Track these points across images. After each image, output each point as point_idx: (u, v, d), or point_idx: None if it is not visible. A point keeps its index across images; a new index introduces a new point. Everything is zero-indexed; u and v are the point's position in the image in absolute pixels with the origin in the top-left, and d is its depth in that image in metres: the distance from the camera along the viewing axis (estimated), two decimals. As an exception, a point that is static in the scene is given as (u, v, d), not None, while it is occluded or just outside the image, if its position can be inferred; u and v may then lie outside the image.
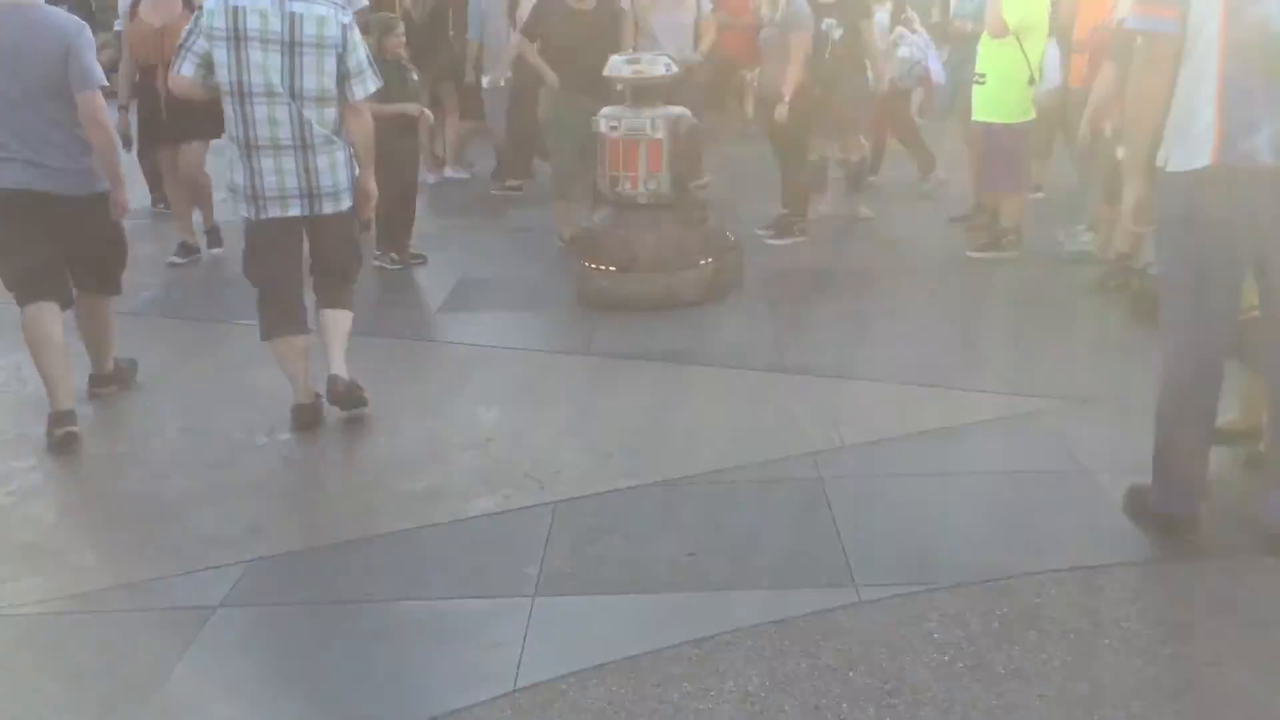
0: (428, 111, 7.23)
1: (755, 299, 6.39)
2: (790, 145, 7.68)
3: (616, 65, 6.61)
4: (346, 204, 4.68)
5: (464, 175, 10.16)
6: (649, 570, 3.42)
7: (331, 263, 4.80)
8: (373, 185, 4.78)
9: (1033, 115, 7.17)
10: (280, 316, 4.63)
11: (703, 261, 6.36)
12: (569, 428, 4.56)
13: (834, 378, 5.02)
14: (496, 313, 6.36)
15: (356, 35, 4.61)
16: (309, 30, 4.44)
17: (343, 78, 4.53)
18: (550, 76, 7.46)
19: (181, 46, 4.48)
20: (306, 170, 4.49)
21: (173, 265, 7.39)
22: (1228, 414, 3.84)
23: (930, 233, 7.95)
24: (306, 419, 4.64)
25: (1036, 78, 6.89)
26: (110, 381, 5.10)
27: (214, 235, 7.71)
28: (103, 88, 4.62)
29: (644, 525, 3.72)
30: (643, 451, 4.29)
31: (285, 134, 4.44)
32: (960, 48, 7.74)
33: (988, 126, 7.13)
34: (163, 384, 5.29)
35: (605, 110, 6.54)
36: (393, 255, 7.31)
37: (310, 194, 4.54)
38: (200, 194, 7.64)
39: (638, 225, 6.41)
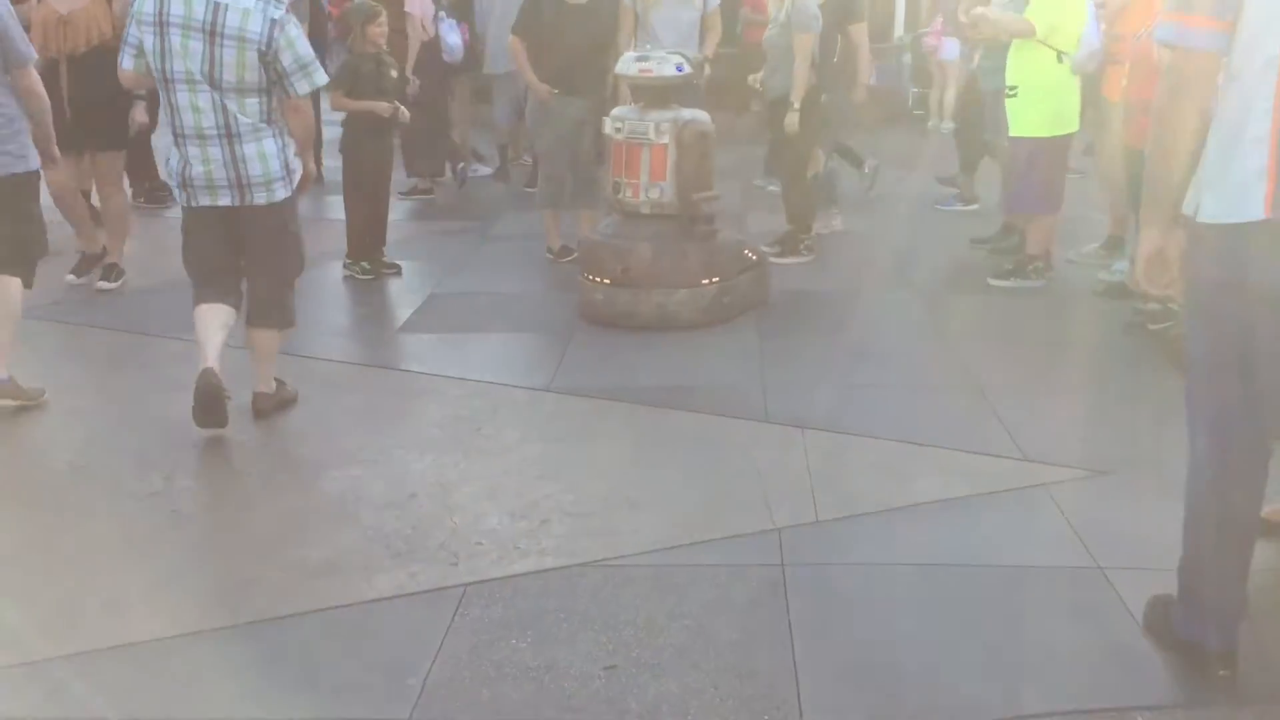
0: (403, 110, 6.65)
1: (752, 327, 5.78)
2: (795, 156, 7.05)
3: (626, 63, 6.08)
4: (280, 194, 4.42)
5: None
6: (553, 687, 2.81)
7: (264, 261, 4.52)
8: (313, 166, 4.60)
9: (1075, 128, 6.51)
10: (209, 287, 4.48)
11: (705, 281, 5.77)
12: (507, 484, 3.96)
13: (821, 431, 4.39)
14: (462, 335, 5.78)
15: (292, 32, 4.29)
16: (232, 21, 4.23)
17: (280, 74, 4.29)
18: (534, 83, 6.86)
19: (124, 38, 4.42)
20: (234, 160, 4.31)
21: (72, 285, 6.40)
22: (1272, 502, 3.20)
23: (950, 255, 7.31)
24: (202, 385, 4.26)
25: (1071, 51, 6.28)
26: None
27: (111, 270, 6.41)
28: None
29: (563, 621, 3.11)
30: (584, 519, 3.69)
31: (209, 122, 4.29)
32: (993, 53, 7.05)
33: (1020, 142, 6.46)
34: (68, 403, 4.74)
35: (616, 111, 6.03)
36: (363, 265, 6.75)
37: (239, 184, 4.35)
38: (112, 219, 6.48)
39: (634, 236, 5.85)
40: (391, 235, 7.14)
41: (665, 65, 5.92)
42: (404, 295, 6.48)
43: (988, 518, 3.72)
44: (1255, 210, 2.56)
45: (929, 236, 7.84)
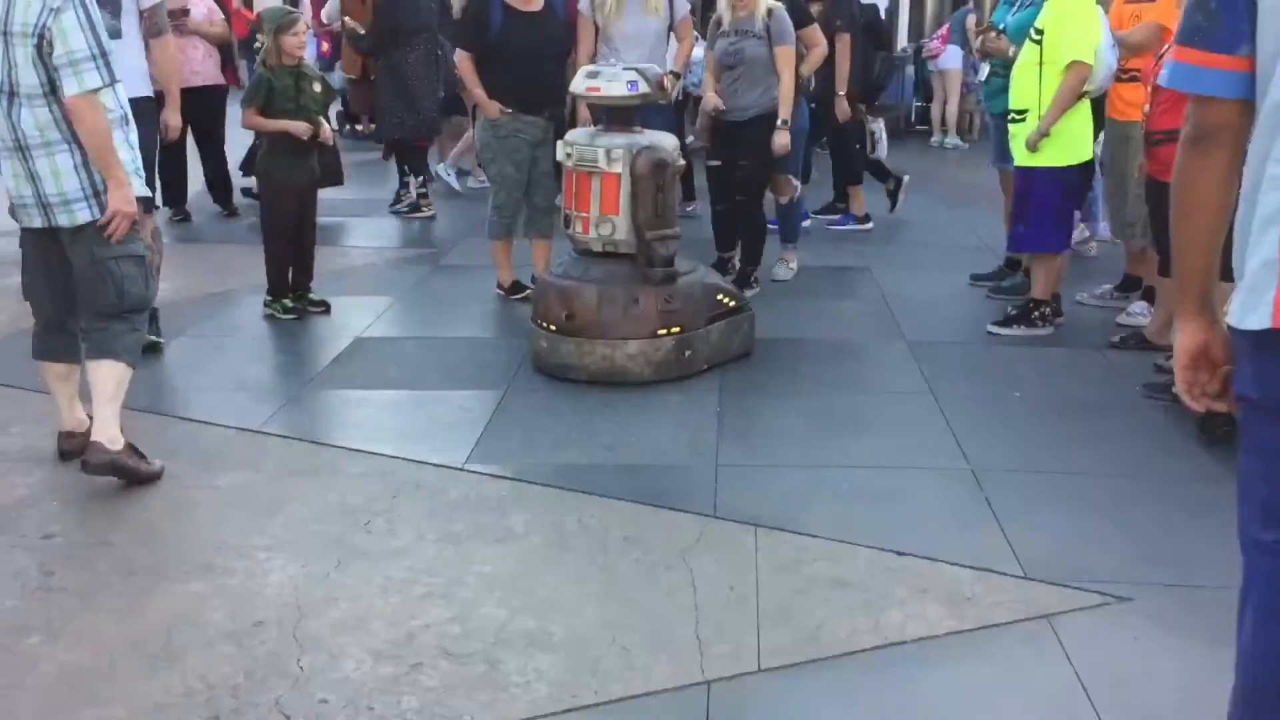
0: (327, 129, 5.91)
1: (714, 387, 5.02)
2: (756, 185, 6.32)
3: (577, 80, 5.38)
4: (84, 216, 3.89)
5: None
6: None
7: (83, 290, 3.97)
8: (121, 198, 3.86)
9: (1088, 156, 5.75)
10: (41, 338, 4.16)
11: (661, 332, 5.03)
12: (382, 607, 3.19)
13: (779, 532, 3.61)
14: (380, 391, 5.02)
15: (67, 21, 3.70)
16: (18, 17, 3.73)
17: (52, 71, 3.75)
18: (483, 100, 6.11)
19: None
20: (31, 176, 3.87)
21: None
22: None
23: (945, 296, 6.55)
24: (68, 448, 4.10)
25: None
26: None
27: None
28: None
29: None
30: (465, 664, 2.91)
31: (6, 134, 3.86)
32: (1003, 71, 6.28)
33: (1026, 172, 5.69)
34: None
35: (569, 134, 5.31)
36: (284, 303, 6.00)
37: (41, 203, 3.90)
38: None
39: (583, 277, 5.12)
40: (330, 262, 6.41)
41: (615, 83, 5.17)
42: (326, 340, 5.73)
43: (970, 671, 2.93)
44: (1262, 317, 1.83)
45: (926, 271, 7.08)
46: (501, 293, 6.47)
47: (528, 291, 6.40)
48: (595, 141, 5.14)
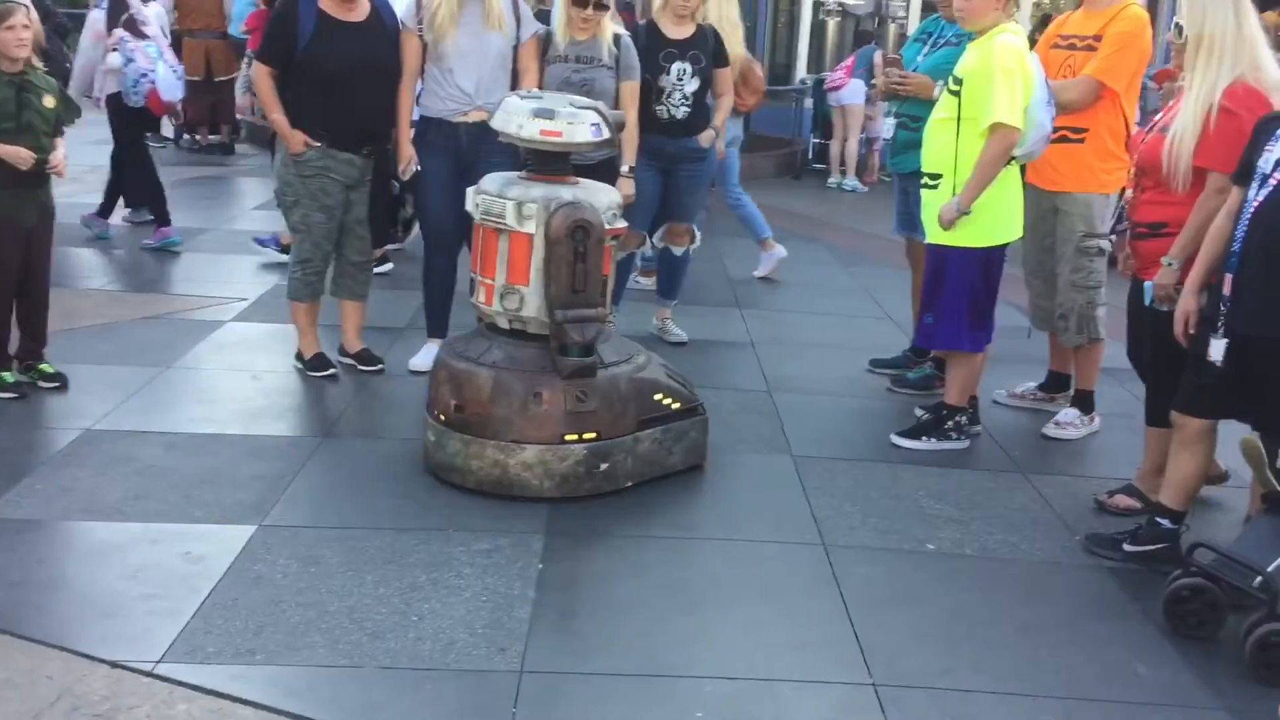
0: (58, 156, 4.59)
1: (533, 519, 3.84)
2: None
3: (512, 116, 4.08)
4: None
5: None
6: None
7: None
8: None
9: (1018, 234, 4.71)
10: None
11: (569, 437, 3.94)
12: None
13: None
14: (78, 522, 3.71)
15: None
16: None
17: None
18: (284, 129, 4.87)
19: None
20: None
21: None
22: None
23: (840, 386, 5.47)
24: None
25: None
26: None
27: None
28: None
29: None
30: None
31: None
32: (914, 121, 5.18)
33: (941, 252, 4.63)
34: None
35: (485, 179, 4.19)
36: (3, 376, 4.65)
37: None
38: None
39: (478, 359, 4.07)
40: (91, 314, 5.08)
41: (579, 125, 4.01)
42: (47, 430, 4.40)
43: None
44: None
45: (819, 350, 5.99)
46: (300, 366, 5.20)
47: (332, 370, 5.15)
48: (506, 191, 4.00)
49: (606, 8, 5.16)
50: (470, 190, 4.21)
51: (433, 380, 4.17)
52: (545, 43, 5.14)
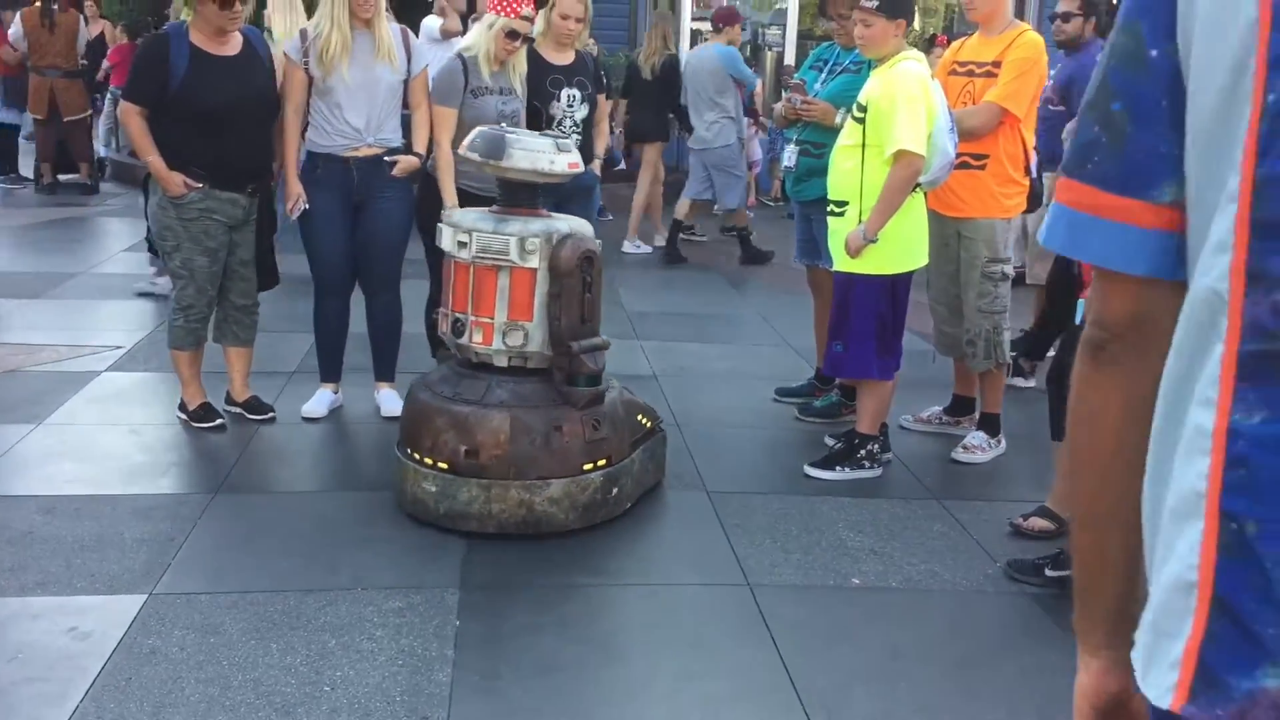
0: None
1: (447, 570, 3.65)
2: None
3: (533, 154, 3.96)
4: None
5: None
6: None
7: None
8: None
9: (924, 261, 4.71)
10: None
11: (586, 467, 3.96)
12: None
13: None
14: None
15: None
16: None
17: None
18: (160, 170, 4.62)
19: None
20: None
21: None
22: None
23: (748, 417, 5.39)
24: None
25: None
26: None
27: None
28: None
29: None
30: None
31: None
32: (817, 149, 5.13)
33: (848, 280, 4.60)
34: None
35: (455, 217, 4.12)
36: None
37: None
38: None
39: (486, 400, 3.97)
40: None
41: (556, 157, 4.00)
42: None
43: None
44: (1162, 687, 1.05)
45: (724, 382, 5.92)
46: (184, 417, 4.91)
47: (219, 420, 4.89)
48: (503, 228, 3.93)
49: (532, 40, 5.07)
50: (444, 228, 4.06)
51: (422, 429, 3.96)
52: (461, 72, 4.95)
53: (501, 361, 4.01)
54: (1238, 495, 1.01)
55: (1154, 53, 1.11)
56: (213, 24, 4.58)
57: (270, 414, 5.01)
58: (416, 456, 3.98)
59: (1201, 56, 1.05)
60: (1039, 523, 4.18)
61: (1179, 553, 1.06)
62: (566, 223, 4.10)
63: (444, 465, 3.92)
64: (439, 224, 4.18)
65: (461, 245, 3.98)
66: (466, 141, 4.16)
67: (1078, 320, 3.89)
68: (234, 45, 4.68)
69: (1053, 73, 5.70)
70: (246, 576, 3.59)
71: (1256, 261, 0.99)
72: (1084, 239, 1.17)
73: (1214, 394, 1.03)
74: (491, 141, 4.02)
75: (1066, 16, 5.86)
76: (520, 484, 3.86)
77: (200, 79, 4.58)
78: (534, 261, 3.92)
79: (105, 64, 13.05)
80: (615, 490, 4.05)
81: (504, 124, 4.47)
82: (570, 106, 5.38)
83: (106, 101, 13.10)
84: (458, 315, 4.03)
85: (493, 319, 3.96)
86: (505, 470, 3.86)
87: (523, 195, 4.09)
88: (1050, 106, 5.73)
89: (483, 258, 3.95)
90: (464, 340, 4.03)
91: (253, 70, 4.73)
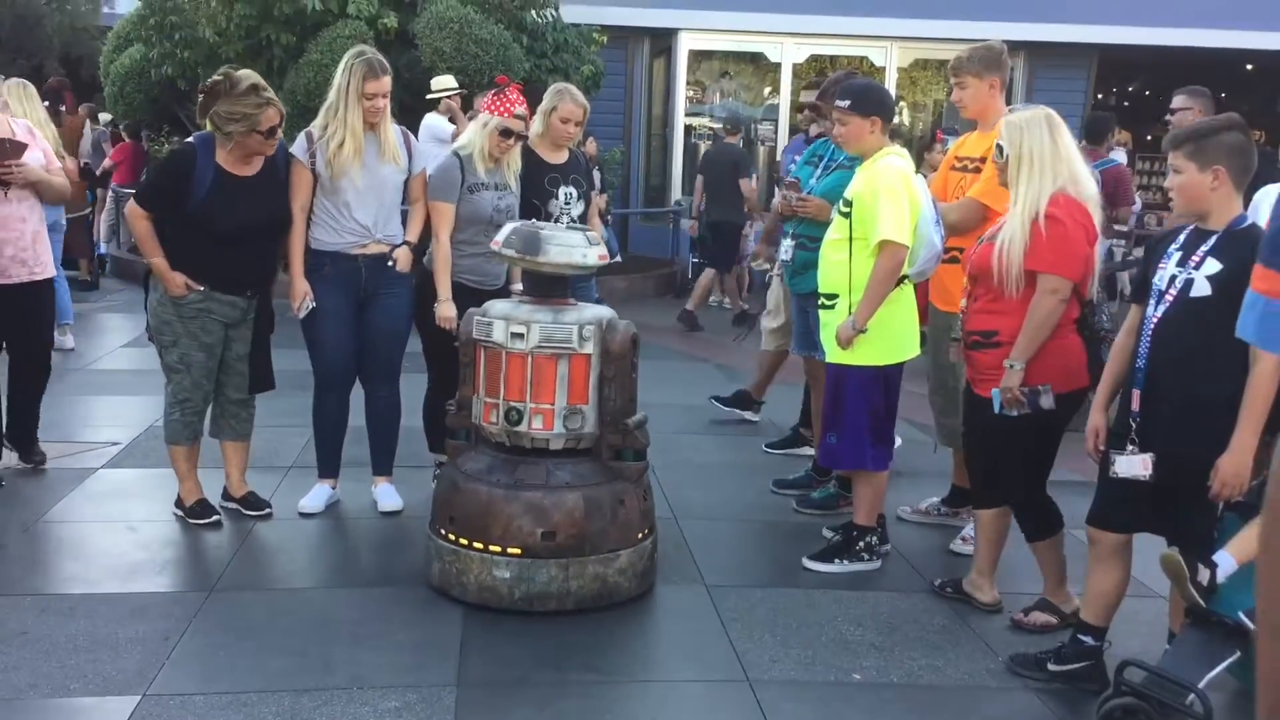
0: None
1: (442, 670, 3.61)
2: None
3: (569, 249, 4.21)
4: None
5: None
6: None
7: None
8: None
9: (915, 352, 4.74)
10: None
11: (640, 536, 4.26)
12: None
13: None
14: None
15: None
16: None
17: None
18: (165, 272, 4.67)
19: None
20: None
21: None
22: None
23: (744, 507, 5.38)
24: None
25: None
26: None
27: None
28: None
29: None
30: None
31: None
32: (810, 242, 5.20)
33: (840, 371, 4.63)
34: None
35: (498, 308, 4.27)
36: None
37: None
38: None
39: (548, 484, 4.11)
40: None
41: (581, 249, 4.24)
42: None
43: None
44: None
45: (719, 471, 5.91)
46: (180, 514, 4.90)
47: (216, 517, 4.88)
48: (561, 317, 4.14)
49: (525, 137, 5.16)
50: (496, 321, 4.14)
51: (489, 519, 4.05)
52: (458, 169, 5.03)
53: (558, 445, 4.15)
54: None
55: None
56: (252, 151, 4.63)
57: (267, 510, 4.99)
58: (480, 546, 4.05)
59: None
60: (1041, 617, 4.16)
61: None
62: (606, 312, 4.33)
63: (516, 550, 4.02)
64: (473, 313, 4.29)
65: (517, 336, 4.10)
66: (501, 239, 4.30)
67: (996, 409, 3.94)
68: (256, 164, 4.73)
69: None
70: (241, 677, 3.55)
71: None
72: (1275, 330, 1.13)
73: None
74: (527, 239, 4.19)
75: None
76: (596, 558, 4.07)
77: (221, 202, 4.60)
78: (589, 348, 4.13)
79: (107, 162, 13.25)
80: (657, 555, 4.39)
81: (497, 218, 4.63)
82: (568, 204, 5.45)
83: (109, 199, 13.26)
84: (513, 404, 4.12)
85: (553, 405, 4.12)
86: (582, 547, 4.05)
87: (556, 286, 4.31)
88: None
89: (544, 347, 4.08)
90: (517, 427, 4.12)
91: (272, 191, 4.75)
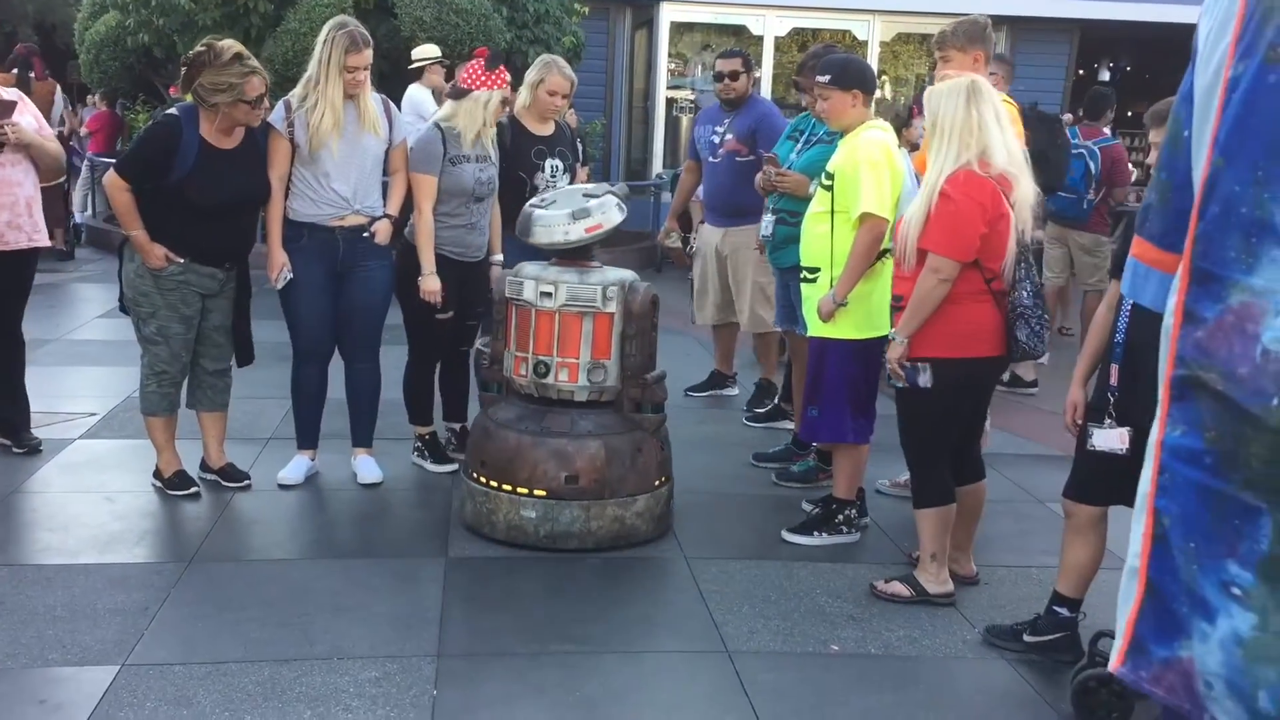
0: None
1: (425, 628, 3.62)
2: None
3: (549, 227, 4.54)
4: None
5: None
6: None
7: None
8: None
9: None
10: None
11: (656, 483, 4.60)
12: None
13: None
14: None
15: None
16: None
17: None
18: (144, 244, 4.62)
19: None
20: None
21: None
22: None
23: (724, 479, 5.38)
24: None
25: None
26: None
27: None
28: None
29: None
30: None
31: None
32: (791, 216, 5.21)
33: (822, 345, 4.64)
34: None
35: (529, 269, 4.56)
36: None
37: None
38: None
39: (572, 432, 4.45)
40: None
41: (610, 210, 4.58)
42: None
43: None
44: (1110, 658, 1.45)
45: (700, 448, 5.92)
46: (159, 485, 4.89)
47: (194, 488, 4.86)
48: (587, 279, 4.45)
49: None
50: (527, 281, 4.44)
51: (517, 462, 4.38)
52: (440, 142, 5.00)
53: (582, 396, 4.45)
54: (1161, 495, 1.31)
55: (1186, 133, 1.39)
56: (238, 121, 4.59)
57: (246, 481, 4.98)
58: (509, 488, 4.37)
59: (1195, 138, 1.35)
60: (897, 587, 4.15)
61: (1131, 545, 1.40)
62: (628, 274, 4.58)
63: (541, 492, 4.33)
64: (506, 275, 4.61)
65: (546, 295, 4.39)
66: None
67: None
68: (237, 137, 4.68)
69: (724, 125, 6.18)
70: (220, 647, 3.55)
71: (1191, 303, 1.25)
72: (1139, 285, 1.48)
73: (1159, 412, 1.32)
74: (521, 221, 4.61)
75: (734, 75, 6.20)
76: (615, 501, 4.40)
77: (204, 175, 4.55)
78: (613, 307, 4.42)
79: (82, 130, 13.11)
80: (672, 502, 4.70)
81: (479, 190, 4.85)
82: (554, 176, 5.45)
83: (84, 168, 13.13)
84: (541, 358, 4.44)
85: (578, 359, 4.41)
86: (602, 491, 4.37)
87: (579, 251, 4.58)
88: (738, 158, 6.11)
89: (570, 305, 4.38)
90: (545, 379, 4.42)
91: (253, 164, 4.72)
